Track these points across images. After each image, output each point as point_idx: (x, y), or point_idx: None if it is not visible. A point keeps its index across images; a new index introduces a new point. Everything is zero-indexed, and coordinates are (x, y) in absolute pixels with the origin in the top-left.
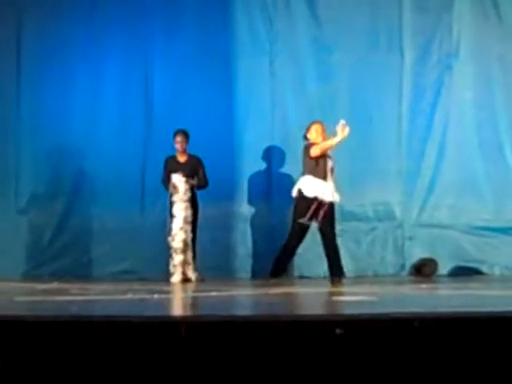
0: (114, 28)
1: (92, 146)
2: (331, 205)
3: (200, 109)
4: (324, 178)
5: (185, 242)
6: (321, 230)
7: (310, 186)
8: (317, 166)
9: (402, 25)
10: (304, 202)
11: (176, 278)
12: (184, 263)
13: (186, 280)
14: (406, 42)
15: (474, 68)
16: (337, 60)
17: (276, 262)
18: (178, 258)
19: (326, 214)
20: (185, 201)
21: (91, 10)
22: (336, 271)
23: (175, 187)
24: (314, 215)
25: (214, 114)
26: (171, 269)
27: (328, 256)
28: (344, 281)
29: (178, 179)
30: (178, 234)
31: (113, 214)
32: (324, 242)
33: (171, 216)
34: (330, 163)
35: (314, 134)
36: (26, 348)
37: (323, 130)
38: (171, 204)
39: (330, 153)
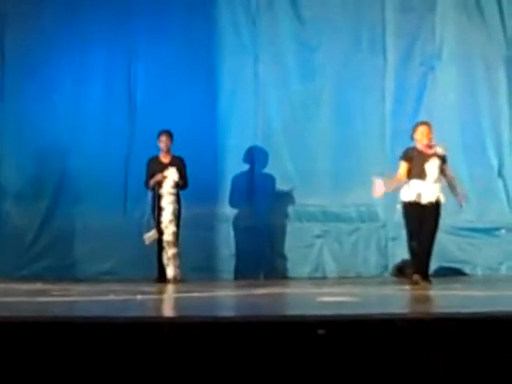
0: (98, 28)
1: (75, 146)
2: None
3: (183, 109)
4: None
5: (176, 235)
6: None
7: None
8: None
9: (385, 25)
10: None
11: (170, 272)
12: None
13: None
14: (389, 43)
15: (457, 69)
16: (320, 60)
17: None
18: (171, 251)
19: None
20: (173, 194)
21: (75, 10)
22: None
23: (165, 176)
24: None
25: (197, 115)
26: (165, 262)
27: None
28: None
29: (172, 171)
30: (169, 226)
31: (96, 215)
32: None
33: (159, 209)
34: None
35: (419, 136)
36: (8, 349)
37: (429, 132)
38: (158, 198)
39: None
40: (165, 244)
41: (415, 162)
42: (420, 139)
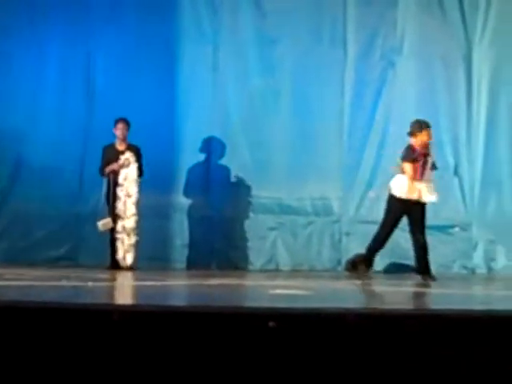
0: (56, 15)
1: (32, 132)
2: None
3: (141, 98)
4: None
5: (138, 223)
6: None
7: None
8: None
9: (347, 19)
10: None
11: (130, 259)
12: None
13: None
14: (350, 37)
15: (417, 64)
16: (280, 53)
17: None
18: (134, 239)
19: None
20: (137, 179)
21: None
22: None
23: (125, 163)
24: None
25: (154, 104)
26: (126, 249)
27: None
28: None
29: (129, 155)
30: (133, 214)
31: (51, 201)
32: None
33: (114, 197)
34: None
35: (425, 137)
36: None
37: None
38: (114, 185)
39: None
40: (127, 231)
41: (418, 163)
42: (425, 141)
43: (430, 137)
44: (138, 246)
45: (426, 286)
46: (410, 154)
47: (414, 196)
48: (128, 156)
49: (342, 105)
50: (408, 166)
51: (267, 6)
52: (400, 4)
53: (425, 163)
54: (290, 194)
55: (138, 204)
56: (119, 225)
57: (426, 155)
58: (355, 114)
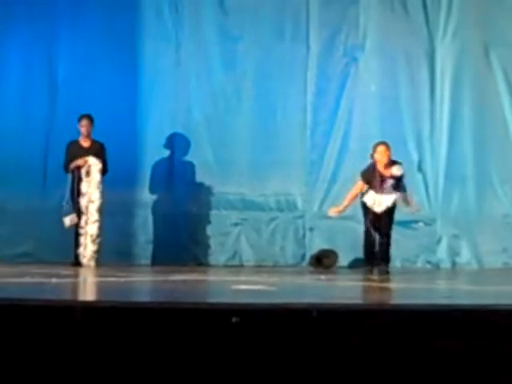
0: (19, 11)
1: None
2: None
3: (104, 94)
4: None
5: (100, 230)
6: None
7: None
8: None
9: (309, 16)
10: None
11: (92, 264)
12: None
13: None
14: (313, 33)
15: (379, 61)
16: (242, 49)
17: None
18: (96, 246)
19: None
20: (99, 185)
21: None
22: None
23: (88, 172)
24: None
25: (117, 100)
26: (89, 256)
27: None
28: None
29: (93, 162)
30: (97, 221)
31: (14, 197)
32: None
33: (79, 193)
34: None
35: (379, 155)
36: None
37: (386, 150)
38: (78, 181)
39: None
40: (92, 237)
41: (373, 184)
42: (380, 159)
43: (381, 154)
44: (100, 251)
45: (391, 281)
46: (363, 175)
47: (369, 203)
48: (91, 163)
49: (305, 101)
50: (357, 185)
51: (229, 3)
52: (362, 1)
53: (383, 184)
54: (254, 189)
55: (100, 209)
56: (82, 220)
57: (385, 177)
58: (318, 111)
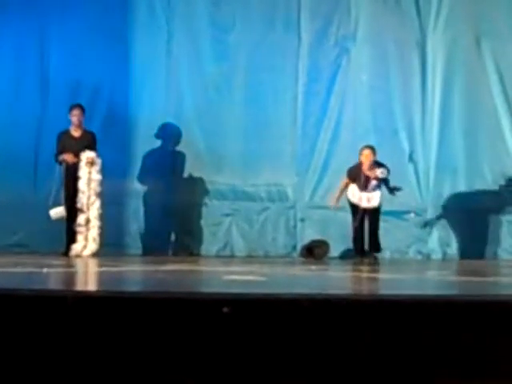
0: (9, 2)
1: None
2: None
3: (96, 84)
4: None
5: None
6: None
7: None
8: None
9: (300, 6)
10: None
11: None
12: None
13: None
14: (304, 24)
15: (370, 51)
16: (233, 40)
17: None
18: (98, 230)
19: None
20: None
21: None
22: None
23: (93, 163)
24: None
25: (109, 90)
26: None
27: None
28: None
29: (95, 155)
30: (96, 201)
31: (5, 188)
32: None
33: (76, 192)
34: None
35: (364, 158)
36: None
37: (370, 154)
38: (78, 184)
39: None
40: (97, 222)
41: (357, 182)
42: (364, 161)
43: (366, 157)
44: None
45: (381, 271)
46: (349, 173)
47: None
48: (92, 155)
49: (296, 91)
50: (343, 182)
51: None
52: None
53: (367, 183)
54: (245, 180)
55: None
56: (81, 218)
57: (369, 178)
58: (309, 101)
